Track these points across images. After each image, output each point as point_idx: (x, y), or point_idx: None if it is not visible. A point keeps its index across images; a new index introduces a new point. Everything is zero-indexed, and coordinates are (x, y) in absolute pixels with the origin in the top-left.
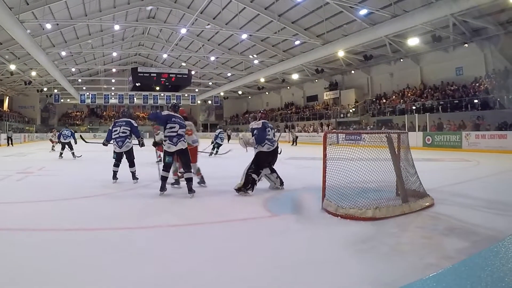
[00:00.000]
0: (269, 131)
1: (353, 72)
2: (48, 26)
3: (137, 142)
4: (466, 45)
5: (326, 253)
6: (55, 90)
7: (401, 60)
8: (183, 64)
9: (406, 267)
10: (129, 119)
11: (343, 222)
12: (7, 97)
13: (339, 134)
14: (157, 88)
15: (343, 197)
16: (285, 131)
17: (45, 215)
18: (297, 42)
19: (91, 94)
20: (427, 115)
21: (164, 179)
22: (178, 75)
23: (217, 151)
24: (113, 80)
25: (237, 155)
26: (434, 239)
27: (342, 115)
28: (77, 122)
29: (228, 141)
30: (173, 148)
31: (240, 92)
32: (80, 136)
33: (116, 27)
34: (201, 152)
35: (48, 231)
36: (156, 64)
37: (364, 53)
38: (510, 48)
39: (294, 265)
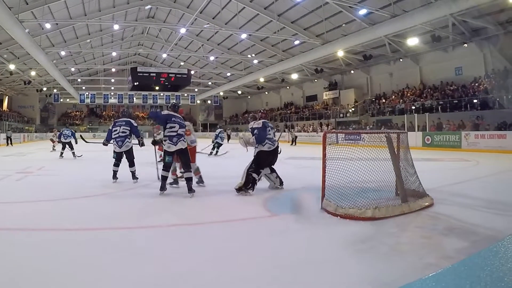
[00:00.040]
0: (269, 130)
1: (352, 72)
2: (48, 25)
3: (137, 142)
4: (466, 45)
5: (326, 253)
6: (55, 90)
7: (401, 60)
8: (182, 63)
9: (406, 267)
10: (129, 119)
11: (343, 222)
12: (7, 96)
13: (339, 134)
14: (157, 87)
15: (342, 197)
16: (284, 131)
17: (44, 215)
18: (297, 42)
19: (91, 94)
20: (427, 115)
21: (164, 178)
22: (177, 75)
23: (217, 151)
24: (112, 80)
25: (237, 155)
26: (434, 239)
27: (341, 115)
28: (77, 122)
29: (228, 141)
30: (173, 148)
31: (239, 92)
32: (81, 136)
33: (116, 26)
34: (200, 152)
35: (47, 231)
36: (156, 63)
37: (363, 53)
38: (509, 48)
39: (293, 265)
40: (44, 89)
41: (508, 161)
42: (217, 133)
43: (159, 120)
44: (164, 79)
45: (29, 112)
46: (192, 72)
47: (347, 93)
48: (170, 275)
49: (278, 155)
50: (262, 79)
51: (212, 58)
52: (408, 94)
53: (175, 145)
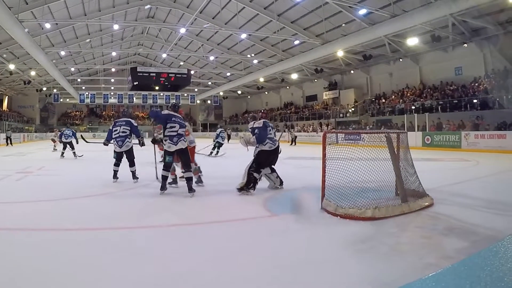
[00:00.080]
0: (270, 130)
1: (352, 72)
2: (47, 25)
3: (137, 142)
4: (466, 45)
5: (326, 253)
6: (55, 90)
7: (401, 60)
8: (182, 63)
9: (406, 267)
10: (129, 119)
11: (343, 222)
12: (6, 96)
13: (339, 134)
14: (157, 87)
15: (342, 197)
16: (284, 131)
17: (44, 214)
18: (297, 42)
19: (91, 94)
20: (426, 115)
21: (164, 178)
22: (177, 75)
23: (217, 152)
24: (112, 80)
25: (236, 154)
26: (434, 239)
27: (341, 115)
28: (77, 121)
29: (228, 141)
30: (173, 148)
31: (239, 92)
32: (81, 136)
33: (115, 26)
34: (198, 153)
35: (47, 231)
36: (156, 63)
37: (363, 53)
38: (509, 48)
39: (293, 264)
40: (44, 89)
41: (508, 161)
42: (217, 133)
43: (159, 120)
44: (164, 79)
45: (29, 112)
46: (192, 72)
47: (347, 93)
48: (170, 275)
49: (279, 155)
50: (262, 79)
51: (212, 58)
52: (408, 94)
53: (176, 145)
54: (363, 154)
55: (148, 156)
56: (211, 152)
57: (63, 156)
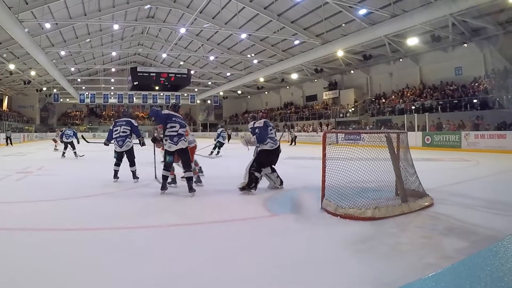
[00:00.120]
0: (271, 130)
1: (352, 72)
2: (47, 25)
3: (137, 142)
4: (465, 45)
5: (326, 253)
6: (55, 90)
7: (401, 60)
8: (182, 63)
9: (406, 267)
10: (130, 119)
11: (343, 222)
12: (6, 96)
13: (339, 134)
14: (157, 87)
15: (342, 197)
16: (284, 131)
17: (44, 214)
18: (297, 42)
19: (91, 94)
20: (426, 115)
21: (165, 178)
22: (177, 75)
23: (218, 151)
24: (112, 80)
25: (236, 154)
26: (434, 239)
27: (341, 115)
28: (77, 121)
29: (228, 140)
30: (174, 148)
31: (239, 92)
32: (82, 136)
33: (115, 26)
34: (199, 154)
35: (47, 231)
36: (156, 63)
37: (363, 53)
38: (509, 48)
39: (293, 264)
40: (44, 89)
41: (508, 161)
42: (218, 133)
43: (159, 120)
44: (164, 79)
45: (29, 112)
46: (192, 72)
47: (347, 93)
48: (170, 275)
49: (279, 155)
50: (262, 79)
51: (212, 58)
52: (408, 94)
53: (176, 145)
54: (363, 154)
55: (148, 156)
56: (212, 152)
57: (64, 156)
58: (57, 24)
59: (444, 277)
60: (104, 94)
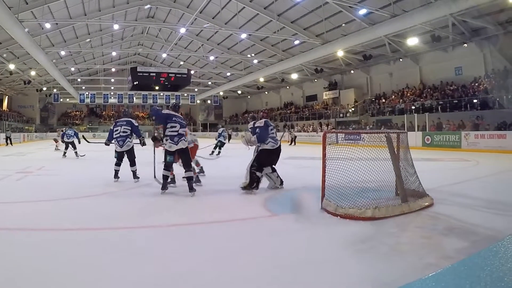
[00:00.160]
0: (272, 129)
1: (352, 71)
2: (47, 25)
3: (138, 142)
4: (466, 45)
5: (326, 253)
6: (55, 90)
7: (401, 60)
8: (182, 63)
9: (406, 267)
10: (130, 119)
11: (343, 222)
12: (7, 96)
13: (339, 134)
14: (157, 87)
15: (342, 197)
16: (285, 131)
17: (44, 214)
18: (297, 42)
19: (91, 94)
20: (426, 115)
21: (165, 178)
22: (177, 75)
23: (219, 152)
24: (112, 80)
25: (237, 154)
26: (434, 239)
27: (341, 115)
28: (77, 121)
29: (229, 140)
30: (174, 147)
31: (239, 92)
32: (83, 136)
33: (116, 26)
34: (200, 157)
35: (47, 231)
36: (156, 63)
37: (363, 53)
38: (509, 48)
39: (293, 264)
40: (44, 89)
41: (508, 161)
42: (220, 132)
43: (159, 119)
44: (164, 79)
45: (29, 112)
46: (192, 72)
47: (347, 93)
48: (170, 275)
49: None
50: (262, 79)
51: (212, 58)
52: (408, 94)
53: (176, 145)
54: (363, 154)
55: (148, 155)
56: (213, 152)
57: (65, 156)
58: (57, 24)
59: (444, 277)
60: (104, 94)
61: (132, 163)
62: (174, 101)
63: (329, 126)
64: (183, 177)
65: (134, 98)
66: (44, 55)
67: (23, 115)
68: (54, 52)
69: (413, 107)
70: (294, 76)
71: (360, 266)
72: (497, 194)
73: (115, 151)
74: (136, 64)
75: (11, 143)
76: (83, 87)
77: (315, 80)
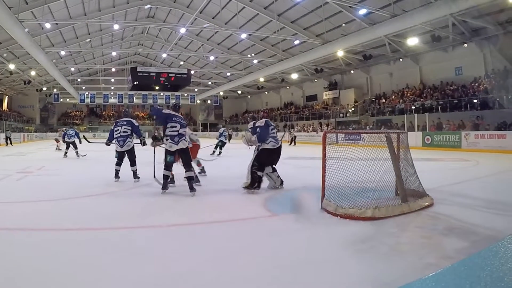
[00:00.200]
0: (272, 129)
1: (352, 71)
2: (48, 25)
3: (138, 141)
4: (466, 45)
5: (326, 253)
6: (55, 90)
7: (401, 60)
8: (182, 63)
9: (406, 267)
10: (130, 119)
11: (343, 222)
12: (7, 96)
13: (339, 134)
14: (157, 87)
15: (342, 197)
16: (285, 131)
17: (44, 214)
18: (297, 42)
19: (91, 94)
20: (427, 115)
21: (166, 178)
22: (177, 75)
23: (220, 152)
24: (112, 80)
25: (237, 154)
26: (434, 239)
27: (341, 115)
28: (77, 121)
29: (229, 140)
30: (174, 147)
31: (239, 92)
32: (84, 136)
33: (116, 26)
34: (202, 159)
35: (47, 231)
36: (156, 63)
37: (363, 53)
38: (509, 48)
39: (293, 264)
40: (44, 89)
41: (508, 161)
42: (221, 132)
43: (159, 119)
44: (164, 79)
45: (29, 112)
46: (192, 72)
47: (347, 93)
48: (170, 275)
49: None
50: (262, 79)
51: (212, 58)
52: (408, 94)
53: (177, 145)
54: (363, 154)
55: (149, 155)
56: (214, 152)
57: (66, 156)
58: (57, 24)
59: (444, 277)
60: (104, 94)
61: (133, 163)
62: (174, 101)
63: (329, 126)
64: (184, 177)
65: (134, 98)
66: (44, 55)
67: (23, 115)
68: (54, 52)
69: (413, 107)
70: (294, 76)
71: (360, 266)
72: (497, 194)
73: (116, 151)
74: (136, 64)
75: (11, 143)
76: (83, 87)
77: (315, 80)
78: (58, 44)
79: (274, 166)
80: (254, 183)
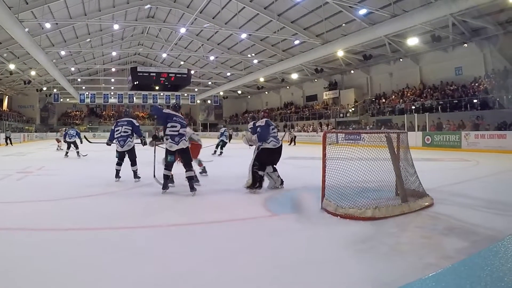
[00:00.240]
0: (273, 128)
1: (352, 71)
2: (48, 25)
3: (139, 141)
4: (466, 45)
5: (326, 253)
6: (55, 90)
7: (401, 60)
8: (182, 63)
9: (406, 267)
10: (131, 119)
11: (343, 222)
12: (7, 96)
13: (339, 134)
14: (157, 87)
15: (342, 197)
16: (284, 131)
17: (44, 214)
18: (297, 42)
19: (91, 94)
20: (427, 115)
21: (166, 177)
22: (177, 75)
23: (221, 152)
24: (112, 80)
25: (238, 154)
26: (434, 239)
27: (341, 115)
28: (77, 121)
29: (230, 140)
30: (175, 147)
31: (239, 92)
32: (84, 136)
33: (116, 26)
34: (202, 160)
35: (47, 231)
36: (156, 63)
37: (363, 53)
38: (509, 48)
39: (293, 265)
40: (44, 88)
41: (508, 161)
42: (222, 131)
43: (160, 119)
44: (164, 78)
45: (29, 112)
46: (192, 72)
47: (347, 93)
48: (170, 275)
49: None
50: (262, 79)
51: (212, 58)
52: (408, 94)
53: (177, 144)
54: (363, 154)
55: (149, 155)
56: (215, 151)
57: (67, 156)
58: (57, 24)
59: (444, 277)
60: (104, 94)
61: (133, 162)
62: (174, 101)
63: (329, 126)
64: (185, 177)
65: (134, 98)
66: (44, 55)
67: (23, 115)
68: (54, 52)
69: (413, 107)
70: (294, 76)
71: (360, 266)
72: (497, 194)
73: (116, 151)
74: (136, 64)
75: (11, 143)
76: (83, 87)
77: (315, 80)
78: (58, 44)
79: (274, 165)
80: (255, 183)
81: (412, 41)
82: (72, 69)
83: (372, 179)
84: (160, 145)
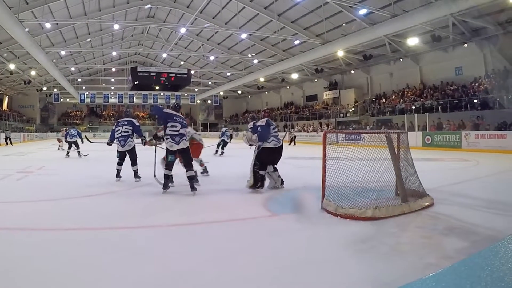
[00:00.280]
0: (273, 128)
1: (352, 71)
2: (48, 25)
3: (139, 141)
4: (466, 45)
5: (326, 253)
6: (55, 90)
7: (401, 60)
8: (183, 63)
9: (406, 267)
10: (131, 119)
11: (343, 221)
12: (7, 96)
13: (339, 134)
14: (157, 87)
15: (342, 197)
16: (284, 131)
17: (44, 214)
18: (297, 42)
19: (91, 94)
20: (427, 115)
21: (166, 177)
22: (177, 75)
23: (222, 152)
24: (112, 80)
25: (238, 154)
26: (434, 239)
27: (341, 115)
28: (77, 121)
29: (230, 140)
30: (175, 147)
31: (239, 92)
32: (85, 136)
33: (116, 26)
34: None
35: (47, 231)
36: (156, 63)
37: (363, 53)
38: (509, 48)
39: (293, 264)
40: (44, 88)
41: (508, 161)
42: (223, 131)
43: (160, 118)
44: (164, 78)
45: (29, 112)
46: (192, 71)
47: (347, 93)
48: (170, 275)
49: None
50: (262, 79)
51: (212, 57)
52: (408, 94)
53: (178, 144)
54: (363, 154)
55: (150, 155)
56: (216, 151)
57: (68, 156)
58: (57, 24)
59: (445, 277)
60: (104, 94)
61: (134, 162)
62: (174, 101)
63: (329, 126)
64: (186, 177)
65: (135, 98)
66: (44, 55)
67: (23, 115)
68: (54, 52)
69: (413, 107)
70: (294, 76)
71: (360, 266)
72: (497, 194)
73: (117, 150)
74: (136, 64)
75: (11, 143)
76: (83, 87)
77: (315, 80)
78: (58, 44)
79: (275, 165)
80: (257, 183)
81: (412, 41)
82: (72, 69)
83: (372, 179)
84: (160, 145)
